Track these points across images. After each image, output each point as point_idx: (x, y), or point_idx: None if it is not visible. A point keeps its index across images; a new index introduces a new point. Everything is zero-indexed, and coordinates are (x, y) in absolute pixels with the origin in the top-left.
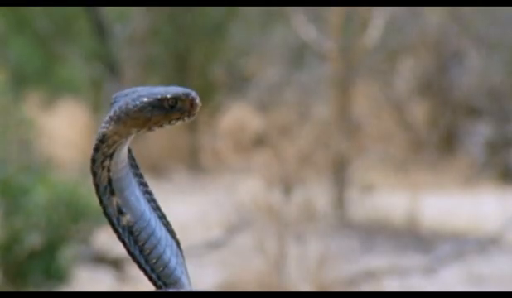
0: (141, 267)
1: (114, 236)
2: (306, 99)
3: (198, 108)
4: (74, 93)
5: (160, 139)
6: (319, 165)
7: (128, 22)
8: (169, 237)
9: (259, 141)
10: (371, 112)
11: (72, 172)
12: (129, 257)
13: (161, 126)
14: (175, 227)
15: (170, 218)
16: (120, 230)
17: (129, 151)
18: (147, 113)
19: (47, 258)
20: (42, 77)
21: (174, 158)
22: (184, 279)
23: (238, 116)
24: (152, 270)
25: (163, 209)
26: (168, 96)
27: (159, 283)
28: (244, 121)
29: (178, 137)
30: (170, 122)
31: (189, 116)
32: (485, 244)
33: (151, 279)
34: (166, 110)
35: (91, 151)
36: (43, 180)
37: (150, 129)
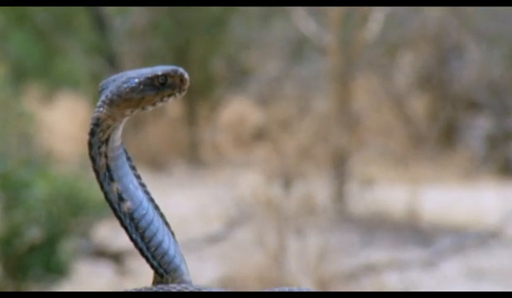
0: (143, 254)
1: (114, 230)
2: (306, 93)
3: (188, 83)
4: (73, 86)
5: (160, 133)
6: (319, 159)
7: (128, 16)
8: (165, 227)
9: (259, 135)
10: (371, 106)
11: (72, 166)
12: (129, 251)
13: (153, 104)
14: (175, 220)
15: (170, 211)
16: (122, 216)
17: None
18: (139, 93)
19: (47, 252)
20: (42, 71)
21: (174, 152)
22: (183, 267)
23: (238, 110)
24: (153, 257)
25: (163, 202)
26: (159, 73)
27: (160, 270)
28: (244, 115)
29: (178, 131)
30: (162, 100)
31: (180, 91)
32: (485, 238)
33: (152, 266)
34: (157, 88)
35: (87, 137)
36: (43, 173)
37: (144, 109)
